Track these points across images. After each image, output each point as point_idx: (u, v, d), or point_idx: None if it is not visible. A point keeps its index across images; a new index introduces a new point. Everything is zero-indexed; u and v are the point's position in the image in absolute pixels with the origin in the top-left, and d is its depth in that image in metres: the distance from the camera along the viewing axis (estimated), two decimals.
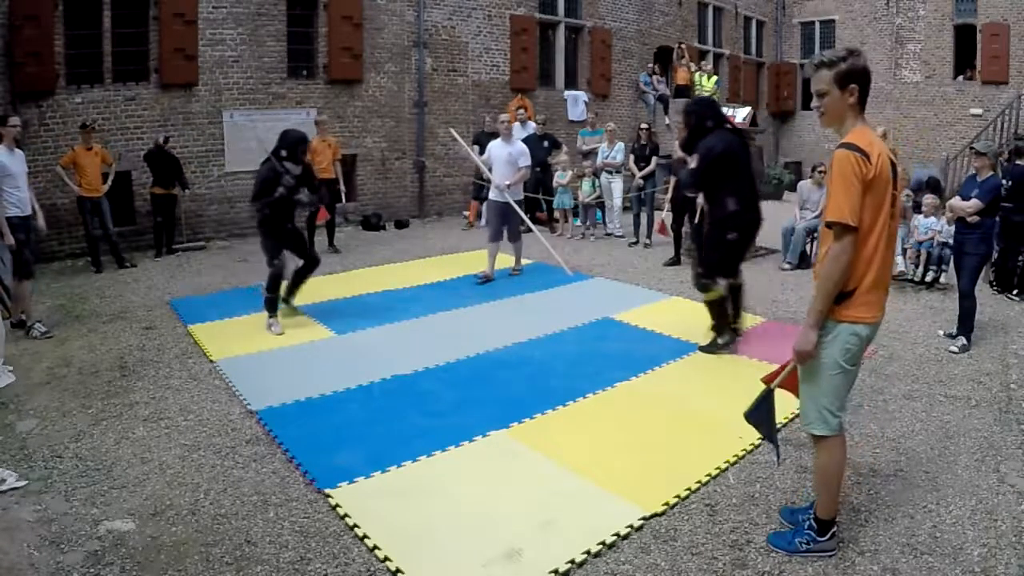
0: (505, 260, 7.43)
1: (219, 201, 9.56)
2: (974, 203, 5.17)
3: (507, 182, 6.98)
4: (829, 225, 2.39)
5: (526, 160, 7.17)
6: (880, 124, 10.40)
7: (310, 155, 8.44)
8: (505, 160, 7.10)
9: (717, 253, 4.94)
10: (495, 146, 7.25)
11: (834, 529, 2.69)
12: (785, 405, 3.82)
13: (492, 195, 7.20)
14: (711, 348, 5.03)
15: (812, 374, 2.55)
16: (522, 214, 7.27)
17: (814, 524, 2.69)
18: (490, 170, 7.23)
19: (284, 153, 5.36)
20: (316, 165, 8.45)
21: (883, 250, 2.44)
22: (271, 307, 5.54)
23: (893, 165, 2.46)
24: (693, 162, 4.76)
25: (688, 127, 4.96)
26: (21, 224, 5.48)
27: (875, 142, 2.39)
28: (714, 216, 4.89)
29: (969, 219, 5.21)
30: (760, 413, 2.76)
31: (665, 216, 8.32)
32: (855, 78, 2.41)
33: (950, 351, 5.04)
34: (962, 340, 5.11)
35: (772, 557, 2.68)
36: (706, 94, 13.73)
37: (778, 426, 2.71)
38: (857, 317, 2.45)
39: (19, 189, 5.54)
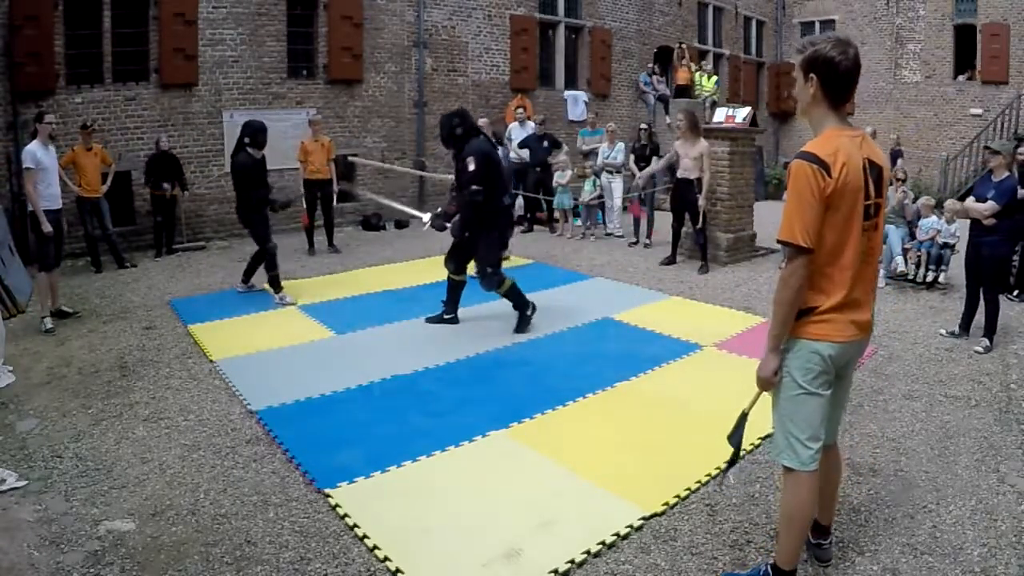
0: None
1: (219, 201, 9.55)
2: (990, 205, 5.03)
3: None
4: (780, 244, 2.19)
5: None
6: (880, 124, 10.40)
7: (304, 155, 8.44)
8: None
9: (497, 250, 5.34)
10: None
11: None
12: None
13: None
14: (523, 328, 5.40)
15: (776, 396, 2.33)
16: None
17: (770, 571, 2.41)
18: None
19: (247, 140, 6.13)
20: (310, 166, 8.42)
21: (856, 267, 2.19)
22: (278, 283, 6.34)
23: (877, 169, 2.22)
24: (472, 164, 5.02)
25: (442, 135, 5.37)
26: (52, 218, 5.66)
27: (842, 149, 2.13)
28: (487, 214, 5.17)
29: (985, 221, 5.07)
30: (737, 437, 2.53)
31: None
32: (815, 67, 2.17)
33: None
34: (986, 342, 5.08)
35: (772, 557, 2.68)
36: (706, 94, 13.79)
37: (742, 452, 2.55)
38: (818, 335, 2.21)
39: (51, 185, 5.73)
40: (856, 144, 2.18)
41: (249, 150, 6.18)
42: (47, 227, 5.59)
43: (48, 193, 5.68)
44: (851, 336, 2.24)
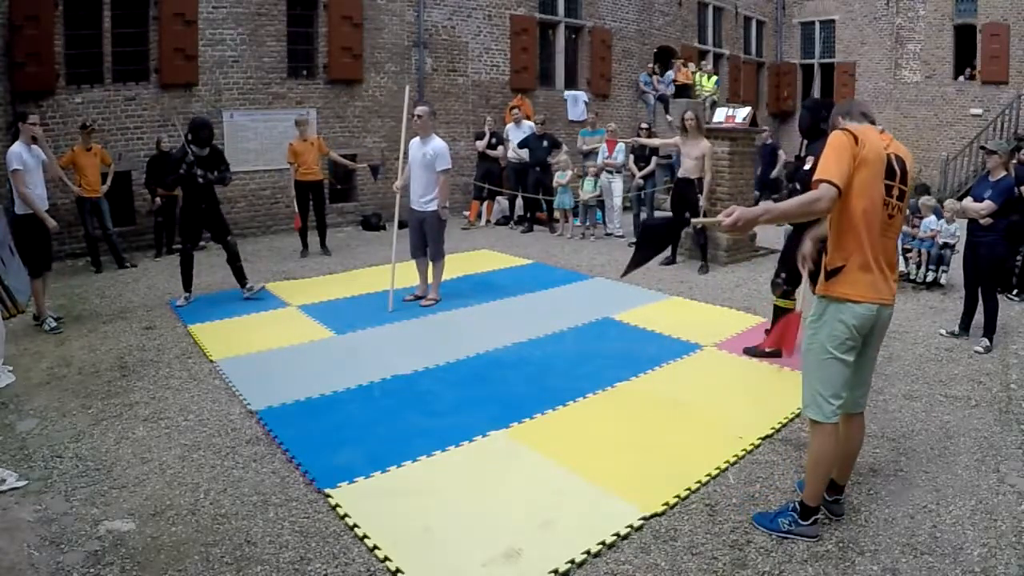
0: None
1: (219, 201, 9.54)
2: (987, 205, 5.07)
3: (431, 196, 6.10)
4: (816, 183, 2.55)
5: (445, 163, 6.10)
6: (880, 124, 10.39)
7: (293, 157, 8.37)
8: (421, 163, 6.11)
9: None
10: (412, 145, 6.25)
11: (817, 516, 2.80)
12: (789, 404, 3.83)
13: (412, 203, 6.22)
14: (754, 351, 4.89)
15: (807, 358, 2.75)
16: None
17: (798, 507, 2.81)
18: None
19: (190, 136, 6.12)
20: (301, 166, 8.34)
21: (875, 234, 2.61)
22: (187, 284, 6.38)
23: (901, 161, 2.66)
24: (808, 164, 4.36)
25: (802, 127, 4.77)
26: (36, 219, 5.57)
27: (867, 133, 2.62)
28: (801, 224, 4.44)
29: (983, 221, 5.11)
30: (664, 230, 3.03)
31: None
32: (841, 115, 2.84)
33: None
34: (986, 342, 5.09)
35: (772, 557, 2.68)
36: (706, 94, 13.79)
37: None
38: (844, 294, 2.61)
39: (37, 185, 5.64)
40: (878, 135, 2.68)
41: (191, 147, 6.08)
42: (51, 222, 5.53)
43: (34, 194, 5.56)
44: (872, 298, 2.62)
